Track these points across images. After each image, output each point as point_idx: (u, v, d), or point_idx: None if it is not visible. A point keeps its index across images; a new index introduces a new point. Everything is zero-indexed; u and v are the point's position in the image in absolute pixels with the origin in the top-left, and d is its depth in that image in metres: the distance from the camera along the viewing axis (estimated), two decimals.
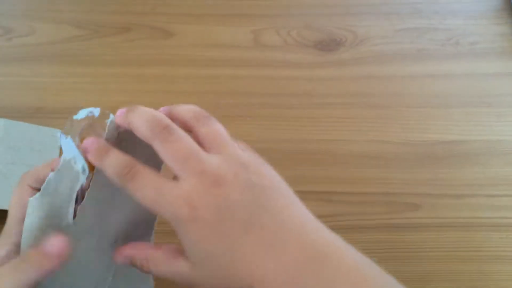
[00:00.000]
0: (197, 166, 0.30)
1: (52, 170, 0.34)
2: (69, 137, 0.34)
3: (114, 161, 0.32)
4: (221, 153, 0.32)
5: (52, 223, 0.34)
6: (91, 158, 0.33)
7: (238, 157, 0.32)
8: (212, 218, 0.29)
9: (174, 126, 0.32)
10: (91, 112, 0.34)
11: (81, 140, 0.34)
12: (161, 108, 0.35)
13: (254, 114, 0.62)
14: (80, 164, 0.33)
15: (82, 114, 0.34)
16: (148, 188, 0.30)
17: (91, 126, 0.35)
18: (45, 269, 0.32)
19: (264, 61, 0.66)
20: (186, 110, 0.35)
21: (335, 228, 0.51)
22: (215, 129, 0.34)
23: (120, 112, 0.34)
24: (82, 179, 0.34)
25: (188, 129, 0.34)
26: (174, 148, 0.31)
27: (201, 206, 0.29)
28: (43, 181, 0.34)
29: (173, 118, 0.34)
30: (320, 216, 0.53)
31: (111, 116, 0.34)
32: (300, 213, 0.33)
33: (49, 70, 0.64)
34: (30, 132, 0.58)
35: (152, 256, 0.33)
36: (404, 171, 0.57)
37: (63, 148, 0.34)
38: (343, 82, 0.64)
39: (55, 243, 0.32)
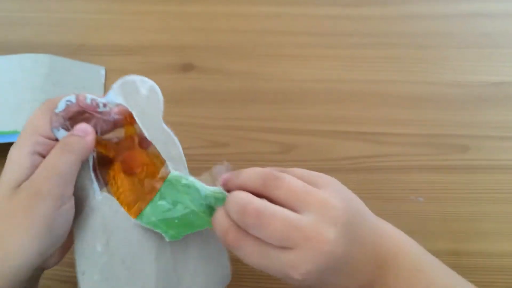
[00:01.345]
0: (300, 235, 0.31)
1: None
2: (60, 128, 0.35)
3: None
4: (310, 210, 0.32)
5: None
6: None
7: (331, 207, 0.32)
8: (317, 276, 0.31)
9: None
10: (68, 100, 0.35)
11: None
12: (224, 176, 0.35)
13: (295, 53, 0.60)
14: None
15: (61, 106, 0.35)
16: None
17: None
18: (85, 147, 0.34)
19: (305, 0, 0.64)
20: (253, 177, 0.34)
21: (383, 168, 0.51)
22: (289, 187, 0.33)
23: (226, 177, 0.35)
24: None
25: (261, 196, 0.33)
26: (273, 227, 0.31)
27: (312, 272, 0.30)
28: None
29: (241, 186, 0.33)
30: (366, 156, 0.53)
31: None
32: (371, 224, 0.35)
33: (90, 7, 0.64)
34: (74, 69, 0.58)
35: None
36: (452, 113, 0.56)
37: (59, 138, 0.35)
38: (388, 21, 0.62)
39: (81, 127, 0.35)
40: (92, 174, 0.36)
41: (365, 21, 0.62)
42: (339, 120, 0.55)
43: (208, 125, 0.55)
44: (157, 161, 0.37)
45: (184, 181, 0.33)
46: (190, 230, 0.35)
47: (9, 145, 0.49)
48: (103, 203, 0.35)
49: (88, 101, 0.35)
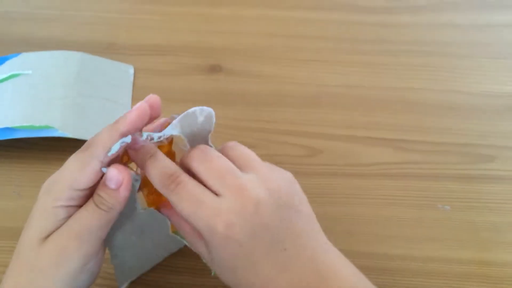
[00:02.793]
0: (235, 181, 0.32)
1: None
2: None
3: (159, 168, 0.33)
4: (254, 173, 0.33)
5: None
6: (137, 162, 0.35)
7: (270, 179, 0.34)
8: (244, 238, 0.32)
9: (210, 148, 0.35)
10: (123, 142, 0.33)
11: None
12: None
13: (325, 58, 0.61)
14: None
15: (115, 148, 0.33)
16: (188, 200, 0.32)
17: None
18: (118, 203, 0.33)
19: (336, 5, 0.64)
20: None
21: (407, 175, 0.51)
22: (244, 152, 0.36)
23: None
24: (137, 186, 0.36)
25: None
26: (212, 167, 0.33)
27: (237, 225, 0.31)
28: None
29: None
30: (393, 163, 0.53)
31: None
32: (315, 237, 0.35)
33: (121, 6, 0.64)
34: (104, 67, 0.58)
35: (182, 227, 0.36)
36: (480, 123, 0.56)
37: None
38: (418, 29, 0.62)
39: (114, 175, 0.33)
40: (137, 195, 0.37)
41: (396, 29, 0.62)
42: (366, 126, 0.55)
43: (235, 127, 0.55)
44: None
45: None
46: None
47: (40, 139, 0.50)
48: (144, 215, 0.38)
49: (144, 138, 0.34)
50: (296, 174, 0.37)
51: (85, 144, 0.34)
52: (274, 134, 0.54)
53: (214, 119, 0.37)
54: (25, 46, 0.60)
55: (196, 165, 0.33)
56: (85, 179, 0.33)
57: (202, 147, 0.35)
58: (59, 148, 0.52)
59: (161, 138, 0.35)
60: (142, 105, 0.34)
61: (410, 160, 0.53)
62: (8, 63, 0.57)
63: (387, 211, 0.49)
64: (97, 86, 0.56)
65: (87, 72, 0.57)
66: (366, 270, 0.35)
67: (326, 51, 0.61)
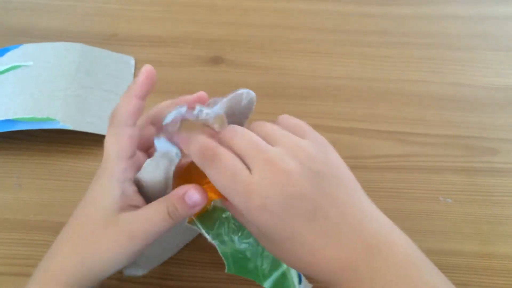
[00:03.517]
0: (264, 155, 0.32)
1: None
2: (161, 137, 0.36)
3: (198, 143, 0.34)
4: (284, 145, 0.33)
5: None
6: (181, 143, 0.36)
7: (300, 148, 0.33)
8: (280, 208, 0.31)
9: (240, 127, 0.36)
10: (178, 112, 0.35)
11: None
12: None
13: (326, 50, 0.60)
14: (174, 151, 0.36)
15: (170, 117, 0.35)
16: (224, 174, 0.33)
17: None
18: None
19: None
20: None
21: (411, 168, 0.51)
22: (270, 127, 0.36)
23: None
24: (177, 161, 0.36)
25: None
26: (242, 143, 0.34)
27: (270, 199, 0.31)
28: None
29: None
30: (395, 156, 0.53)
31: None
32: (360, 204, 0.34)
33: None
34: (105, 58, 0.58)
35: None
36: (483, 115, 0.55)
37: (157, 146, 0.36)
38: (421, 21, 0.61)
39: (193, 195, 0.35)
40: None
41: (397, 20, 0.62)
42: (367, 119, 0.55)
43: None
44: None
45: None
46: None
47: (41, 131, 0.50)
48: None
49: (196, 112, 0.35)
50: None
51: (110, 116, 0.36)
52: None
53: (254, 105, 0.38)
54: (25, 37, 0.60)
55: (229, 140, 0.34)
56: (125, 147, 0.35)
57: (234, 125, 0.36)
58: (60, 140, 0.52)
59: (209, 115, 0.35)
60: (147, 68, 0.35)
61: (412, 152, 0.53)
62: (8, 54, 0.57)
63: (389, 204, 0.49)
64: (98, 77, 0.56)
65: (88, 63, 0.56)
66: None
67: (327, 43, 0.61)
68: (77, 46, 0.57)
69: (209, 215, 0.38)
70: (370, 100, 0.56)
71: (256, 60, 0.60)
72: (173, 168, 0.36)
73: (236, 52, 0.60)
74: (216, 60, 0.60)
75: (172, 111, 0.35)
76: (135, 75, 0.58)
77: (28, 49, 0.57)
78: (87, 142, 0.52)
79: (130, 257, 0.35)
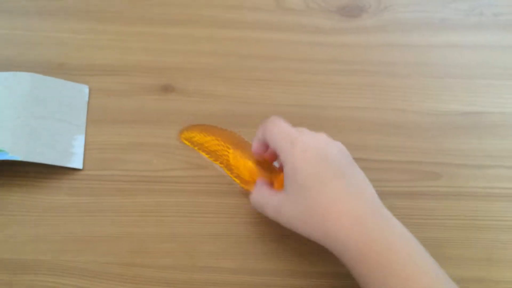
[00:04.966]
0: (301, 137, 0.44)
1: None
2: None
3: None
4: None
5: None
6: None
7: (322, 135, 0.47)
8: (317, 160, 0.42)
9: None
10: None
11: None
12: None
13: (277, 78, 0.62)
14: None
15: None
16: (278, 133, 0.45)
17: None
18: None
19: (287, 26, 0.65)
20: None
21: None
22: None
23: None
24: None
25: None
26: (277, 130, 0.46)
27: (310, 150, 0.43)
28: None
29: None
30: None
31: None
32: (370, 188, 0.44)
33: (71, 25, 0.64)
34: (57, 87, 0.58)
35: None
36: (425, 141, 0.58)
37: None
38: (366, 49, 0.64)
39: None
40: None
41: (345, 49, 0.64)
42: None
43: (188, 147, 0.56)
44: None
45: None
46: None
47: None
48: None
49: None
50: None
51: None
52: None
53: None
54: None
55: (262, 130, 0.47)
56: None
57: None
58: (8, 173, 0.51)
59: None
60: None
61: None
62: None
63: None
64: (50, 107, 0.56)
65: (40, 92, 0.56)
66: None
67: (278, 71, 0.62)
68: (27, 75, 0.57)
69: None
70: (318, 127, 0.57)
71: (208, 88, 0.61)
72: None
73: (188, 80, 0.61)
74: (167, 89, 0.60)
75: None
76: (89, 103, 0.58)
77: None
78: (33, 174, 0.52)
79: None
